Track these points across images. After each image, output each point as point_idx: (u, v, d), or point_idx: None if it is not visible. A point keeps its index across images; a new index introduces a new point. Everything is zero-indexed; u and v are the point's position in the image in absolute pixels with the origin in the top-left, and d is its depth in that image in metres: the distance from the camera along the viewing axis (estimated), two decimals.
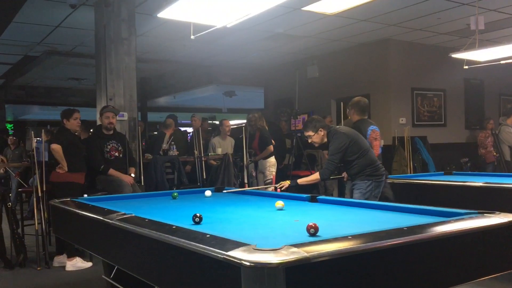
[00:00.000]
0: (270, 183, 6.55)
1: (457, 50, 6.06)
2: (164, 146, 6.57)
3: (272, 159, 6.90)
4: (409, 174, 7.10)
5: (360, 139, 4.33)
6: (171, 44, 8.28)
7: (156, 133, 7.90)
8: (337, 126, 4.57)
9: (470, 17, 5.68)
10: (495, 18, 6.97)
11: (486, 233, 2.14)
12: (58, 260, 4.93)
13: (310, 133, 4.31)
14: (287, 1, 3.26)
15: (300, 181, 4.40)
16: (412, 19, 7.13)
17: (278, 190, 4.23)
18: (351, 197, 4.37)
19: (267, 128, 7.15)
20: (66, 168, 4.88)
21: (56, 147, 4.89)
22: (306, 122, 4.44)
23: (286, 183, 4.26)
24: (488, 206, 2.54)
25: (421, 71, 8.64)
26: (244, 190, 4.33)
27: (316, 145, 4.42)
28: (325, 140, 4.32)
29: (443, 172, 5.93)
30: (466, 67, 5.87)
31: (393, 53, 8.39)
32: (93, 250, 3.13)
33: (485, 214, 2.30)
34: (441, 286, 2.03)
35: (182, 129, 10.19)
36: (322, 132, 4.28)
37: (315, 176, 4.41)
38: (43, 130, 5.56)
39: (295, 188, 4.29)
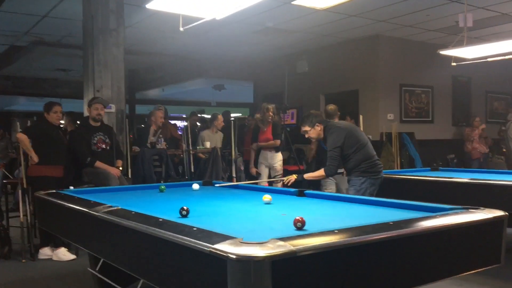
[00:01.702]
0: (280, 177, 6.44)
1: (446, 47, 6.09)
2: (152, 139, 6.53)
3: (280, 155, 6.77)
4: (396, 170, 7.15)
5: (358, 133, 4.29)
6: (160, 36, 8.22)
7: (143, 126, 7.79)
8: (335, 121, 4.52)
9: (459, 15, 5.71)
10: (483, 16, 7.02)
11: (470, 228, 2.17)
12: (43, 252, 4.89)
13: (307, 128, 4.25)
14: None
15: (306, 176, 4.34)
16: (401, 16, 7.16)
17: (281, 185, 4.22)
18: (347, 193, 4.35)
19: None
20: (36, 159, 4.82)
21: (21, 137, 4.83)
22: (303, 117, 4.40)
23: (293, 177, 4.23)
24: (474, 202, 2.56)
25: (409, 67, 8.68)
26: (237, 184, 4.32)
27: (313, 140, 4.38)
28: (322, 135, 4.27)
29: (429, 168, 5.98)
30: (454, 64, 5.90)
31: (382, 49, 8.42)
32: (79, 243, 3.11)
33: (470, 210, 2.32)
34: (426, 280, 2.05)
35: (172, 122, 10.09)
36: (319, 127, 4.23)
37: (321, 172, 4.27)
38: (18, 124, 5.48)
39: (305, 183, 4.26)
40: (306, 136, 4.36)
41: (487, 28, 7.64)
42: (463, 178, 4.28)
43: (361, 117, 7.52)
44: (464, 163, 8.91)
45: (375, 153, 4.35)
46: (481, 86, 9.89)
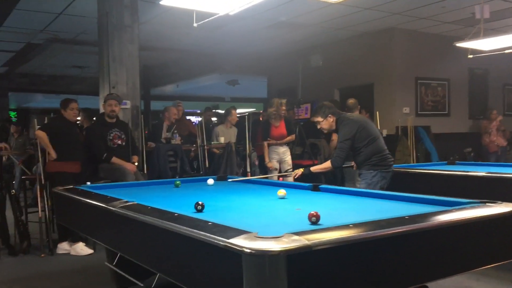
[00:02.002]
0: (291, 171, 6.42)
1: (462, 39, 6.01)
2: (167, 134, 6.56)
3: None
4: (412, 164, 7.09)
5: (370, 126, 4.27)
6: (174, 32, 8.24)
7: (157, 121, 7.81)
8: (348, 114, 4.52)
9: (475, 6, 5.63)
10: (500, 7, 6.90)
11: (488, 223, 2.14)
12: (61, 247, 4.96)
13: (319, 119, 4.26)
14: None
15: (313, 169, 4.35)
16: (416, 8, 7.07)
17: (292, 179, 4.24)
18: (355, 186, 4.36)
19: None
20: (54, 156, 4.88)
21: (40, 133, 4.91)
22: (316, 108, 4.40)
23: (300, 171, 4.24)
24: (491, 196, 2.53)
25: (425, 60, 8.58)
26: (249, 179, 4.34)
27: (325, 131, 4.38)
28: (334, 127, 4.28)
29: (446, 162, 5.91)
30: (471, 56, 5.82)
31: (397, 42, 8.33)
32: (96, 237, 3.15)
33: (487, 204, 2.30)
34: (442, 275, 2.04)
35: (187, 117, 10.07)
36: (331, 119, 4.23)
37: (327, 164, 4.29)
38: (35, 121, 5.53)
39: (310, 177, 4.27)
40: (318, 127, 4.37)
41: (504, 19, 7.51)
42: (480, 172, 4.22)
43: (377, 113, 7.47)
44: (481, 156, 8.79)
45: (386, 147, 4.34)
46: (499, 78, 9.73)
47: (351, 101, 6.57)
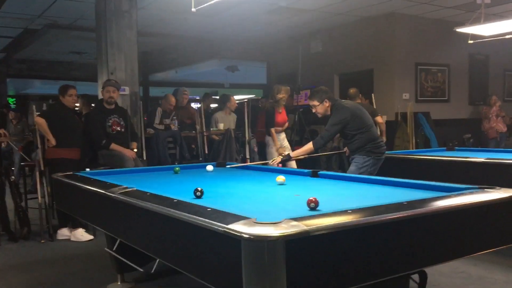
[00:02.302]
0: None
1: (462, 24, 5.97)
2: (165, 121, 6.54)
3: None
4: (411, 150, 7.09)
5: (364, 115, 4.31)
6: (173, 17, 8.18)
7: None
8: (343, 100, 4.54)
9: None
10: None
11: (485, 208, 2.15)
12: (61, 232, 4.99)
13: (316, 102, 4.30)
14: None
15: (293, 153, 4.40)
16: None
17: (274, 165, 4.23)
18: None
19: None
20: (53, 142, 4.89)
21: (39, 120, 4.92)
22: (313, 91, 4.43)
23: (278, 159, 4.24)
24: (490, 182, 2.54)
25: (425, 45, 8.54)
26: (248, 165, 4.34)
27: (320, 115, 4.39)
28: (329, 112, 4.31)
29: (445, 148, 5.92)
30: (471, 41, 5.80)
31: (397, 27, 8.28)
32: (96, 223, 3.17)
33: (485, 189, 2.30)
34: (440, 260, 2.05)
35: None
36: (327, 104, 4.28)
37: (308, 146, 4.35)
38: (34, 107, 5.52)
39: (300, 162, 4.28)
40: (314, 110, 4.41)
41: (504, 4, 7.44)
42: (480, 157, 4.23)
43: (372, 95, 7.45)
44: (481, 142, 8.80)
45: (379, 134, 4.38)
46: (499, 64, 9.69)
47: (352, 90, 6.78)
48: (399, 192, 2.58)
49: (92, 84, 7.55)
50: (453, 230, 2.04)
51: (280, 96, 6.45)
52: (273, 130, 6.38)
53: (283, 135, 6.57)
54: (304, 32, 9.57)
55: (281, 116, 6.51)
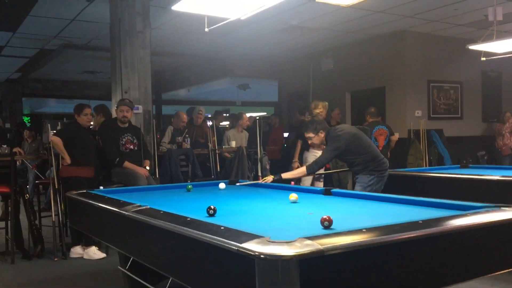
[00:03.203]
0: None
1: (475, 41, 5.96)
2: (178, 139, 6.58)
3: None
4: (424, 167, 7.03)
5: (360, 138, 4.34)
6: (186, 37, 8.29)
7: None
8: (338, 126, 4.60)
9: (488, 8, 5.57)
10: None
11: (503, 227, 2.12)
12: (75, 251, 5.00)
13: (311, 134, 4.38)
14: None
15: (284, 175, 4.36)
16: (428, 10, 7.03)
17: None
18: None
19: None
20: (68, 161, 4.94)
21: (55, 139, 4.98)
22: (307, 124, 4.55)
23: (270, 178, 4.17)
24: (506, 200, 2.50)
25: (437, 63, 8.52)
26: (257, 182, 4.32)
27: (316, 146, 4.46)
28: (325, 141, 4.39)
29: (459, 165, 5.86)
30: (484, 59, 5.77)
31: (409, 45, 8.29)
32: (109, 241, 3.17)
33: (502, 208, 2.27)
34: (456, 280, 2.01)
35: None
36: (322, 134, 4.35)
37: (301, 169, 4.46)
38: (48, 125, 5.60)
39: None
40: (310, 142, 4.53)
41: None
42: (495, 175, 4.17)
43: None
44: (495, 160, 8.69)
45: (379, 152, 4.49)
46: None
47: (372, 109, 7.06)
48: (413, 211, 2.55)
49: (106, 102, 7.65)
50: (470, 249, 2.01)
51: (317, 111, 6.43)
52: (299, 142, 6.39)
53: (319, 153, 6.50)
54: (315, 50, 9.62)
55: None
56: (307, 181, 6.31)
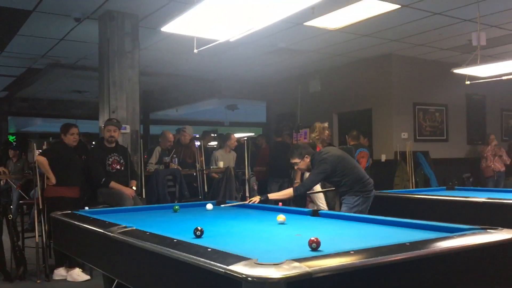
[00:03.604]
0: None
1: (459, 65, 6.06)
2: (165, 159, 6.55)
3: None
4: (411, 189, 7.07)
5: (345, 160, 4.36)
6: (174, 57, 8.32)
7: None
8: (323, 149, 4.63)
9: (472, 33, 5.69)
10: (496, 34, 7.01)
11: (489, 249, 2.13)
12: (58, 272, 4.90)
13: (297, 160, 4.38)
14: (290, 16, 3.28)
15: (271, 196, 4.40)
16: (414, 35, 7.17)
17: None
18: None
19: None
20: (53, 181, 4.88)
21: (40, 159, 4.94)
22: (292, 149, 4.55)
23: (256, 199, 4.16)
24: (491, 222, 2.52)
25: (423, 86, 8.66)
26: (244, 203, 4.31)
27: (302, 171, 4.48)
28: (310, 166, 4.39)
29: (445, 187, 5.90)
30: (468, 82, 5.87)
31: (395, 68, 8.42)
32: (94, 263, 3.12)
33: (488, 230, 2.28)
34: None
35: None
36: (307, 159, 4.36)
37: (288, 191, 4.42)
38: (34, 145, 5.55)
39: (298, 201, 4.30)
40: (296, 168, 4.54)
41: (500, 46, 7.61)
42: (480, 197, 4.21)
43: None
44: (480, 182, 8.79)
45: (365, 172, 4.49)
46: (496, 104, 9.81)
47: (354, 133, 7.37)
48: (400, 232, 2.55)
49: (93, 122, 7.61)
50: (457, 271, 2.01)
51: (313, 135, 6.41)
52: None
53: None
54: (303, 72, 9.73)
55: None
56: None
